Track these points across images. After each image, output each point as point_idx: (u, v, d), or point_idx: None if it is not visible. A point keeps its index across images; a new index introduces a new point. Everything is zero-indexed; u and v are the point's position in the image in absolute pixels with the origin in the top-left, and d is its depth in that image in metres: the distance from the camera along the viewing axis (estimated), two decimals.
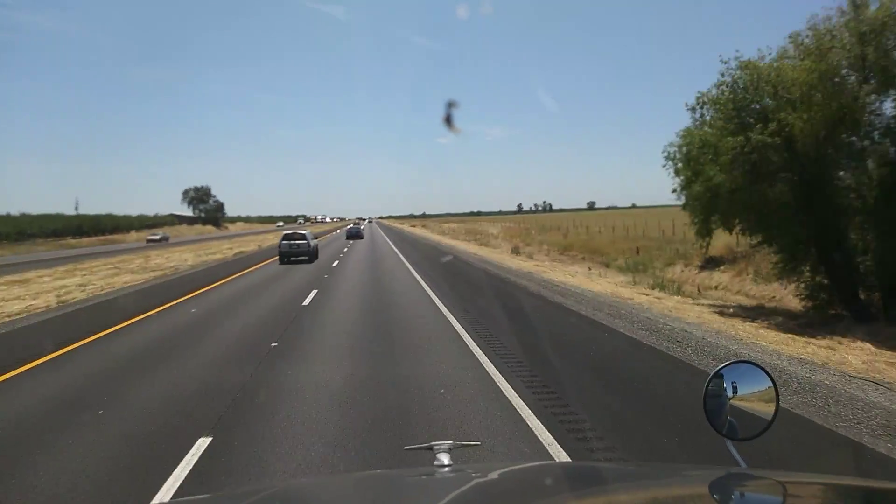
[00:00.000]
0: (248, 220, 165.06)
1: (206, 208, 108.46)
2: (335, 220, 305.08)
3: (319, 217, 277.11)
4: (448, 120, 4.84)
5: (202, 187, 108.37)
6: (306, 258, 25.73)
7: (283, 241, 26.26)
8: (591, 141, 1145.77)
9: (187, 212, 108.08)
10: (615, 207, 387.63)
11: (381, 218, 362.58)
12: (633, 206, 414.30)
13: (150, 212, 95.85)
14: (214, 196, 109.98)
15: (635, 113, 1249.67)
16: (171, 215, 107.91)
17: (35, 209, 68.19)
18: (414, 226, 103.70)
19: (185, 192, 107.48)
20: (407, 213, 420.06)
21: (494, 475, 1.82)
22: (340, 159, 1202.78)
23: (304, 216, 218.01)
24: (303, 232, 28.03)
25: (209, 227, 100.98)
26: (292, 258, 25.55)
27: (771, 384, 1.78)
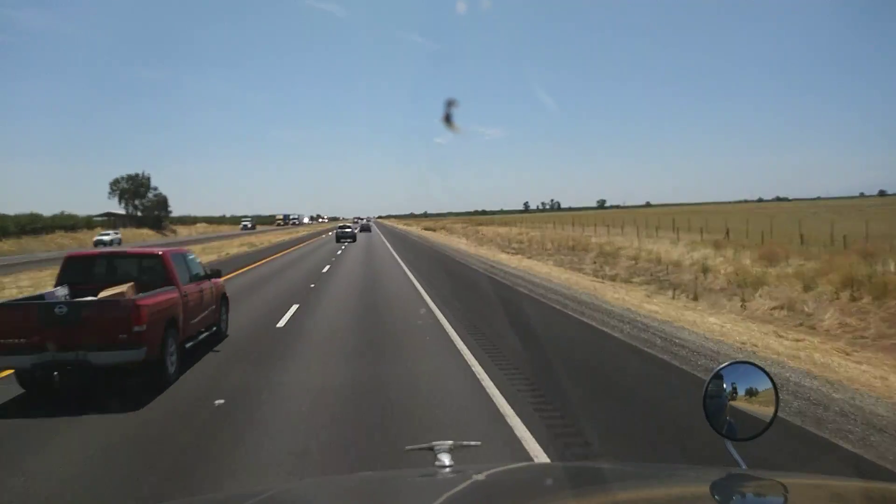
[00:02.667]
0: (227, 220, 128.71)
1: (145, 204, 78.00)
2: (323, 219, 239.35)
3: (294, 216, 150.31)
4: (448, 119, 4.57)
5: (138, 175, 77.81)
6: (351, 239, 45.36)
7: (338, 229, 48.60)
8: (598, 139, 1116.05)
9: (127, 209, 78.35)
10: (626, 206, 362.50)
11: (379, 217, 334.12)
12: (648, 205, 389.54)
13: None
14: (156, 188, 79.04)
15: (644, 110, 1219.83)
16: (107, 214, 78.96)
17: None
18: (431, 229, 73.76)
19: (115, 183, 77.04)
20: (407, 212, 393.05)
21: (495, 476, 1.78)
22: (338, 158, 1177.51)
23: (250, 217, 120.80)
24: (349, 225, 56.14)
25: (145, 232, 71.92)
26: (342, 239, 44.75)
27: (770, 385, 1.75)
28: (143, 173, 78.77)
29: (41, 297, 7.16)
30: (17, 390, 6.64)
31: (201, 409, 5.99)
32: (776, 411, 1.73)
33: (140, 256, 8.51)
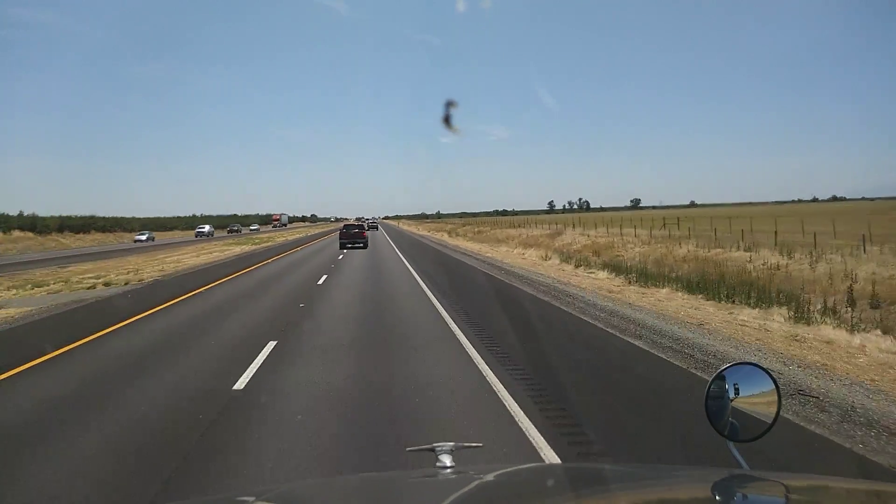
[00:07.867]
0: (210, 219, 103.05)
1: None
2: (282, 222, 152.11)
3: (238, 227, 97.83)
4: (447, 120, 4.58)
5: None
6: (376, 228, 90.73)
7: (368, 222, 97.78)
8: (630, 136, 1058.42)
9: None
10: (663, 206, 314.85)
11: (386, 218, 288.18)
12: (693, 205, 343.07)
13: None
14: None
15: (674, 108, 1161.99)
16: None
17: None
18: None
19: None
20: (417, 212, 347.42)
21: (496, 477, 1.79)
22: (341, 156, 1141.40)
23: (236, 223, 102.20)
24: (375, 220, 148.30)
25: None
26: (369, 227, 70.83)
27: (773, 386, 1.75)
28: None
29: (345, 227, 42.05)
30: (337, 245, 39.62)
31: (374, 248, 38.36)
32: (778, 412, 1.72)
33: (360, 224, 46.76)
